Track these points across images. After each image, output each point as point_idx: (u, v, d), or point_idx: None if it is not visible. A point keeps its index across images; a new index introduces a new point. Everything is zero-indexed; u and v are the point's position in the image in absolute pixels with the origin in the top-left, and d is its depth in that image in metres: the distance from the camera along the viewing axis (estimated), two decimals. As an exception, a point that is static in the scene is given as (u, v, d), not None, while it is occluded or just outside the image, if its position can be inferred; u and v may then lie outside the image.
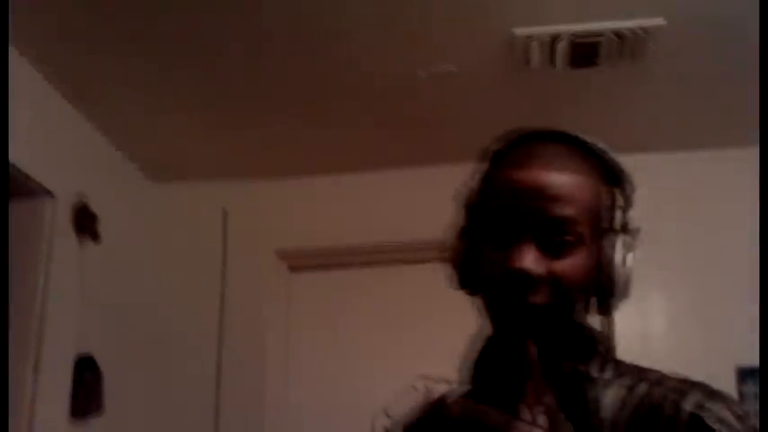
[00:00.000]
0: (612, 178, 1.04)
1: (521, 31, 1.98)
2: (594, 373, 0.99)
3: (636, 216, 1.03)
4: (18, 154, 2.01)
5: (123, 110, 2.38)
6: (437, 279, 2.96)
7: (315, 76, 2.20)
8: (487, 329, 1.04)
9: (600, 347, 1.02)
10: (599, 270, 0.99)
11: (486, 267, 1.01)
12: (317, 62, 2.13)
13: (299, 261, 2.78)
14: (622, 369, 1.02)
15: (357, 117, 2.43)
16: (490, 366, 1.07)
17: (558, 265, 0.95)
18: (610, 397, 0.98)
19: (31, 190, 2.14)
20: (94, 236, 2.32)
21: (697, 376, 2.63)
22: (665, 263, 2.56)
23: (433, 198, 2.73)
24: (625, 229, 1.02)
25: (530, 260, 0.94)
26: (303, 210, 2.76)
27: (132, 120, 2.44)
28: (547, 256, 0.95)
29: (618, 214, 1.02)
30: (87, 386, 2.25)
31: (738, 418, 0.93)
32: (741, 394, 2.35)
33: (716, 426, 0.91)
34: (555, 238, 0.96)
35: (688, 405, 0.94)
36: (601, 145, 1.04)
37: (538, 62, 2.08)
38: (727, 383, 2.30)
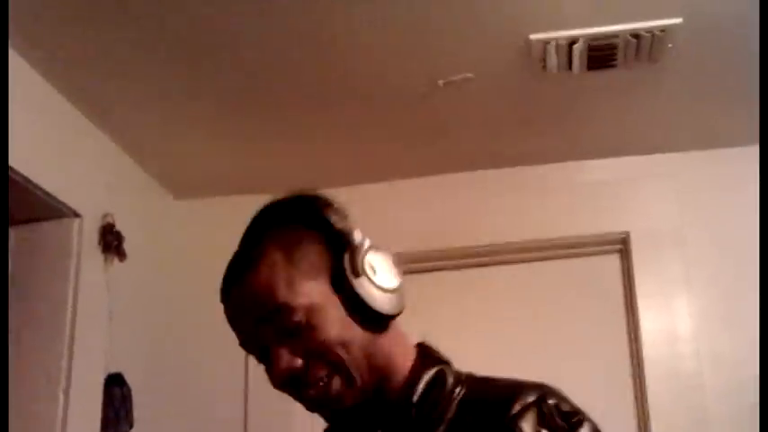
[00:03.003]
0: (334, 238, 1.03)
1: (537, 36, 1.98)
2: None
3: (356, 237, 1.03)
4: (45, 176, 2.05)
5: (147, 130, 2.41)
6: (458, 287, 2.98)
7: (334, 89, 2.21)
8: None
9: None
10: (360, 311, 0.99)
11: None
12: (336, 74, 2.14)
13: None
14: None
15: (375, 128, 2.44)
16: None
17: (301, 346, 0.98)
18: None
19: (58, 211, 2.17)
20: (120, 254, 2.34)
21: (724, 377, 2.61)
22: (690, 263, 2.55)
23: (451, 206, 2.76)
24: (356, 266, 1.00)
25: (279, 362, 0.98)
26: (325, 222, 2.77)
27: (156, 139, 2.47)
28: (287, 347, 0.98)
29: (347, 266, 1.00)
30: (117, 404, 2.27)
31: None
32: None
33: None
34: (283, 325, 0.98)
35: (524, 401, 0.96)
36: (324, 213, 1.06)
37: (554, 66, 2.09)
38: (754, 384, 2.28)
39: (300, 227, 1.05)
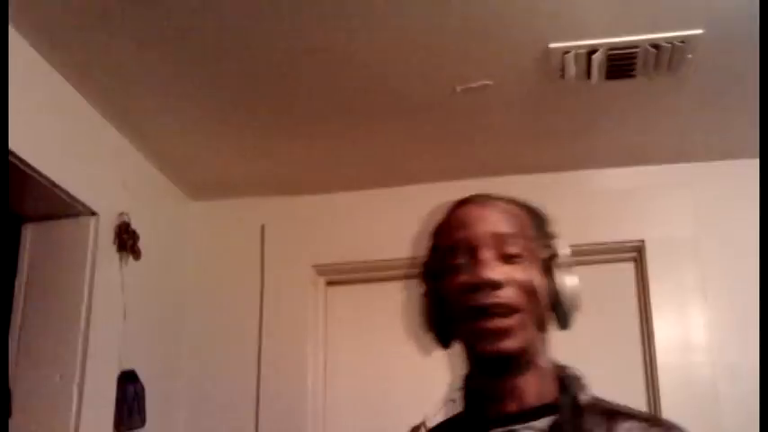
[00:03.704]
0: (536, 216, 1.20)
1: (556, 45, 1.98)
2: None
3: (560, 245, 1.19)
4: (62, 174, 2.07)
5: (164, 131, 2.42)
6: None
7: (350, 92, 2.22)
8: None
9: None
10: (550, 292, 1.13)
11: (453, 295, 1.10)
12: (353, 78, 2.15)
13: (337, 276, 2.80)
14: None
15: (393, 132, 2.44)
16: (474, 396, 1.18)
17: (514, 272, 1.08)
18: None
19: (75, 209, 2.18)
20: (135, 253, 2.36)
21: (738, 387, 2.60)
22: (705, 273, 2.54)
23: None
24: (554, 256, 1.16)
25: (491, 266, 1.06)
26: (340, 225, 2.78)
27: (173, 140, 2.48)
28: (503, 265, 1.08)
29: (547, 245, 1.16)
30: (130, 401, 2.28)
31: None
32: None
33: None
34: (504, 250, 1.08)
35: None
36: (513, 197, 1.20)
37: (573, 75, 2.08)
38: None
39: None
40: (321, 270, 2.78)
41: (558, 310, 1.15)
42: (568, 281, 1.14)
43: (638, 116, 2.37)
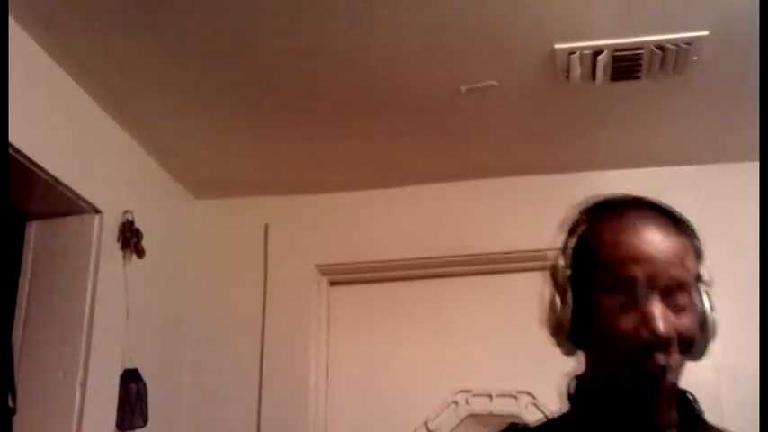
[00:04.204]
0: (692, 235, 1.16)
1: (562, 46, 1.97)
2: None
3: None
4: (67, 172, 2.07)
5: (169, 130, 2.43)
6: (477, 292, 2.98)
7: (355, 92, 2.22)
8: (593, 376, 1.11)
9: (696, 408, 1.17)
10: (699, 318, 1.08)
11: (612, 327, 1.03)
12: (358, 79, 2.15)
13: (340, 275, 2.80)
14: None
15: (397, 132, 2.44)
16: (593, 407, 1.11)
17: (680, 325, 1.03)
18: None
19: (79, 207, 2.19)
20: (139, 251, 2.36)
21: (741, 390, 2.58)
22: (709, 275, 2.53)
23: (473, 211, 2.76)
24: (702, 278, 1.12)
25: (665, 321, 1.01)
26: (343, 224, 2.78)
27: (177, 139, 2.49)
28: (672, 315, 1.03)
29: (702, 268, 1.13)
30: (133, 399, 2.28)
31: None
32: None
33: None
34: (675, 298, 1.03)
35: None
36: (669, 205, 1.17)
37: (578, 76, 2.08)
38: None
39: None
40: (324, 270, 2.78)
41: (700, 338, 1.09)
42: (713, 307, 1.11)
43: (642, 118, 2.37)
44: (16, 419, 2.02)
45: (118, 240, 2.30)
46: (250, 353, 2.69)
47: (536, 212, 2.67)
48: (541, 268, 2.79)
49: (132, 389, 2.28)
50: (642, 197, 1.16)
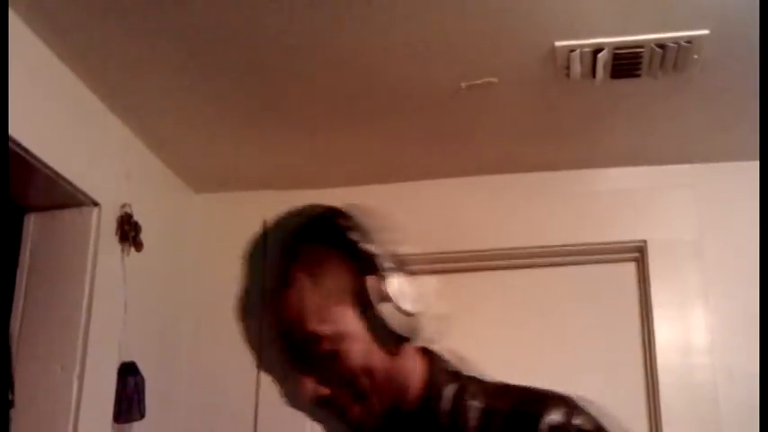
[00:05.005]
0: (358, 259, 1.01)
1: (562, 43, 1.97)
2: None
3: (389, 246, 1.05)
4: (66, 164, 2.07)
5: (168, 123, 2.42)
6: (474, 290, 2.97)
7: (354, 88, 2.21)
8: None
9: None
10: (383, 336, 0.99)
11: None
12: (357, 75, 2.14)
13: (338, 271, 2.80)
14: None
15: (396, 128, 2.44)
16: None
17: (335, 371, 0.98)
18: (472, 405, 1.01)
19: (77, 200, 2.18)
20: (137, 245, 2.36)
21: (738, 390, 2.58)
22: (707, 274, 2.54)
23: (472, 208, 2.76)
24: (381, 292, 0.99)
25: (311, 388, 0.99)
26: (342, 220, 2.78)
27: (177, 133, 2.48)
28: (321, 371, 0.99)
29: (372, 292, 0.99)
30: (130, 392, 2.28)
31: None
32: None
33: None
34: (314, 353, 0.97)
35: (551, 419, 0.95)
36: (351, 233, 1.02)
37: (578, 74, 2.08)
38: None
39: (324, 246, 1.02)
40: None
41: (388, 338, 1.01)
42: (391, 310, 1.00)
43: (642, 116, 2.37)
44: (14, 412, 2.02)
45: (116, 233, 2.30)
46: (247, 347, 2.68)
47: (535, 210, 2.68)
48: (539, 265, 2.82)
49: (130, 382, 2.28)
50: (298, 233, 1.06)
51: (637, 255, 2.64)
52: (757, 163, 2.49)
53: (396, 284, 1.00)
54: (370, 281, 0.99)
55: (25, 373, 2.07)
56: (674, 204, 2.63)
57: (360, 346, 0.98)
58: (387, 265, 1.01)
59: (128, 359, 2.30)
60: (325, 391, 0.98)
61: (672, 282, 2.55)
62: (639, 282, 2.63)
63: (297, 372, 0.99)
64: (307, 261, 1.01)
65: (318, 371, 0.98)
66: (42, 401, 2.05)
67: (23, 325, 2.13)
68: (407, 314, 1.00)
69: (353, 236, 1.02)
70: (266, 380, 2.74)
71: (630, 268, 2.67)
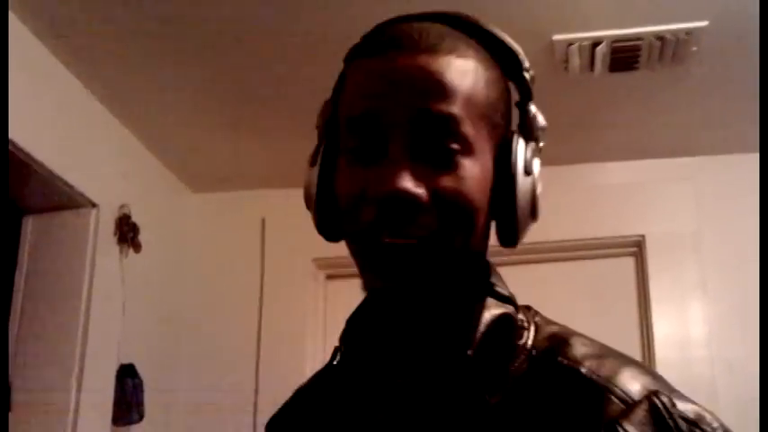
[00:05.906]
0: (507, 65, 0.82)
1: (560, 37, 1.97)
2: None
3: (537, 111, 0.84)
4: (63, 166, 2.06)
5: (166, 123, 2.41)
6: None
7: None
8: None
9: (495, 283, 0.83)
10: (496, 184, 0.76)
11: (343, 195, 0.76)
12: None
13: (337, 269, 2.79)
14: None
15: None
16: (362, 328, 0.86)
17: (443, 181, 0.72)
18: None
19: (75, 201, 2.17)
20: (136, 246, 2.35)
21: (737, 384, 2.58)
22: (706, 268, 2.54)
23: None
24: (526, 129, 0.80)
25: (405, 177, 0.70)
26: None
27: (175, 132, 2.47)
28: (426, 170, 0.71)
29: (518, 112, 0.81)
30: (129, 394, 2.27)
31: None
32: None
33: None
34: (436, 144, 0.72)
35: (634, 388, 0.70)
36: (492, 26, 0.84)
37: (576, 67, 2.07)
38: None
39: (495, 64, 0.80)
40: (321, 264, 2.77)
41: (503, 215, 0.78)
42: (533, 172, 0.77)
43: (641, 109, 2.36)
44: (12, 416, 2.01)
45: (114, 234, 2.29)
46: (247, 347, 2.68)
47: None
48: (538, 260, 2.81)
49: (128, 384, 2.27)
50: (437, 12, 0.86)
51: (635, 249, 2.64)
52: (757, 155, 2.49)
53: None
54: (515, 83, 0.84)
55: (23, 376, 2.06)
56: (673, 198, 2.63)
57: (483, 178, 0.76)
58: (526, 71, 0.86)
59: (126, 361, 2.29)
60: (421, 194, 0.72)
61: (670, 276, 2.55)
62: (638, 276, 2.63)
63: (404, 157, 0.72)
64: (480, 49, 0.83)
65: (424, 168, 0.73)
66: (41, 404, 2.04)
67: (22, 327, 2.12)
68: (529, 175, 0.79)
69: (524, 62, 0.87)
70: (265, 381, 2.74)
71: (629, 263, 2.67)
